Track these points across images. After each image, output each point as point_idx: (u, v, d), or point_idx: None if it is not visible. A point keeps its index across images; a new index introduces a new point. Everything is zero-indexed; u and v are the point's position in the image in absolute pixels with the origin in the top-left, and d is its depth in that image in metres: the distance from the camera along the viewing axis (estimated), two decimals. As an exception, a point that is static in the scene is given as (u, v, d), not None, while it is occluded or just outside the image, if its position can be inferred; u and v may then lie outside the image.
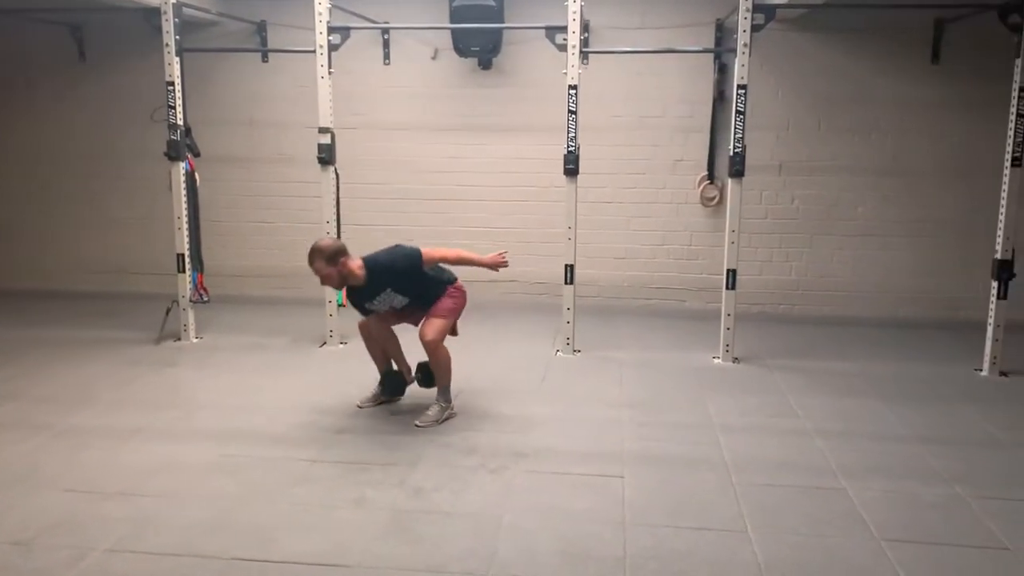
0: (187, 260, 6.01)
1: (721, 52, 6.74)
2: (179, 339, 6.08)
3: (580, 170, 5.65)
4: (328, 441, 4.23)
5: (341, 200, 6.03)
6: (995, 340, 5.45)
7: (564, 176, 5.65)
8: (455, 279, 4.62)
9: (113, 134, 7.57)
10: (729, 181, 5.58)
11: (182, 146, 5.89)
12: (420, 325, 4.49)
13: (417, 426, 4.41)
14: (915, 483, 3.77)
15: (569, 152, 5.59)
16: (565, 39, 5.52)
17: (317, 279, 4.41)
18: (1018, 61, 5.20)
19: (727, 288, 5.65)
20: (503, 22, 6.66)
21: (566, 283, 5.77)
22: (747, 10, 5.31)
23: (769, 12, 5.39)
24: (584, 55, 6.17)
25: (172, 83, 5.77)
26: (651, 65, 6.93)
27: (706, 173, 7.04)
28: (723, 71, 6.87)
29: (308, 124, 7.26)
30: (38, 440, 4.18)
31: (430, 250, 4.38)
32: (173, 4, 5.70)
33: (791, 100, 6.90)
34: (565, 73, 5.53)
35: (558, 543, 3.21)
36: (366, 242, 6.84)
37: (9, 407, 4.68)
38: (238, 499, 3.56)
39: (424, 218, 7.30)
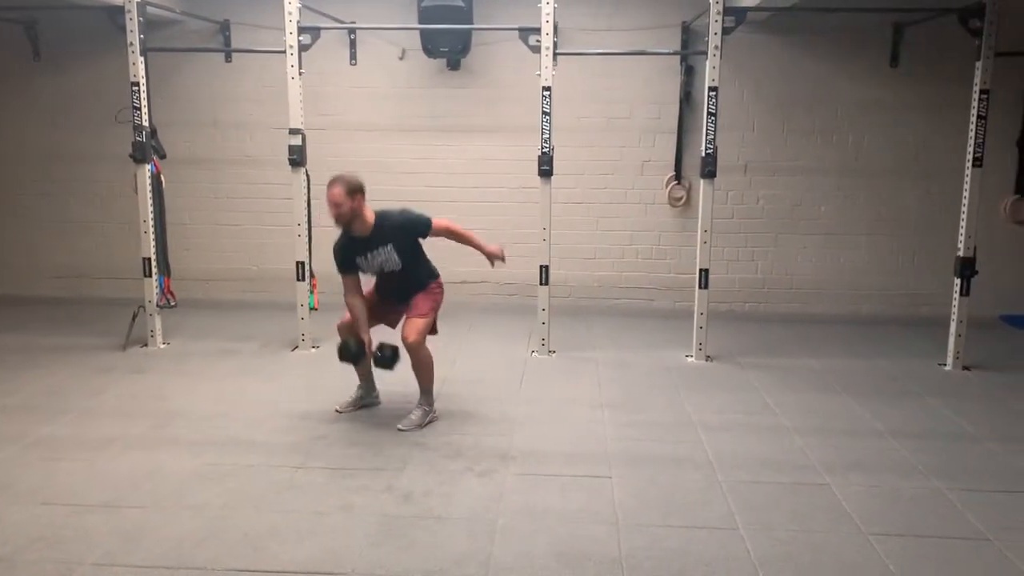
0: (154, 264, 5.88)
1: (689, 55, 6.81)
2: (146, 345, 5.94)
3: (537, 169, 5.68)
4: (310, 447, 4.18)
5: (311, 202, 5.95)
6: (958, 336, 5.60)
7: (539, 177, 5.67)
8: (438, 275, 4.59)
9: (72, 136, 7.38)
10: (701, 182, 5.64)
11: (148, 148, 5.77)
12: (402, 326, 4.45)
13: (400, 430, 4.38)
14: (895, 477, 3.86)
15: (543, 153, 5.61)
16: (538, 40, 5.53)
17: (330, 216, 4.28)
18: (978, 64, 5.35)
19: (700, 288, 5.72)
20: (472, 23, 6.65)
21: (541, 284, 5.78)
22: (718, 13, 5.38)
23: (739, 15, 5.46)
24: (554, 56, 6.18)
25: (137, 83, 5.65)
26: (618, 67, 6.99)
27: (674, 174, 7.12)
28: (689, 73, 6.95)
29: (274, 125, 7.22)
30: (10, 451, 4.06)
31: (441, 220, 4.38)
32: (137, 3, 5.58)
33: (755, 102, 7.01)
34: (539, 75, 5.54)
35: (554, 545, 3.21)
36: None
37: (-26, 418, 4.54)
38: (225, 508, 3.50)
39: (393, 219, 7.24)
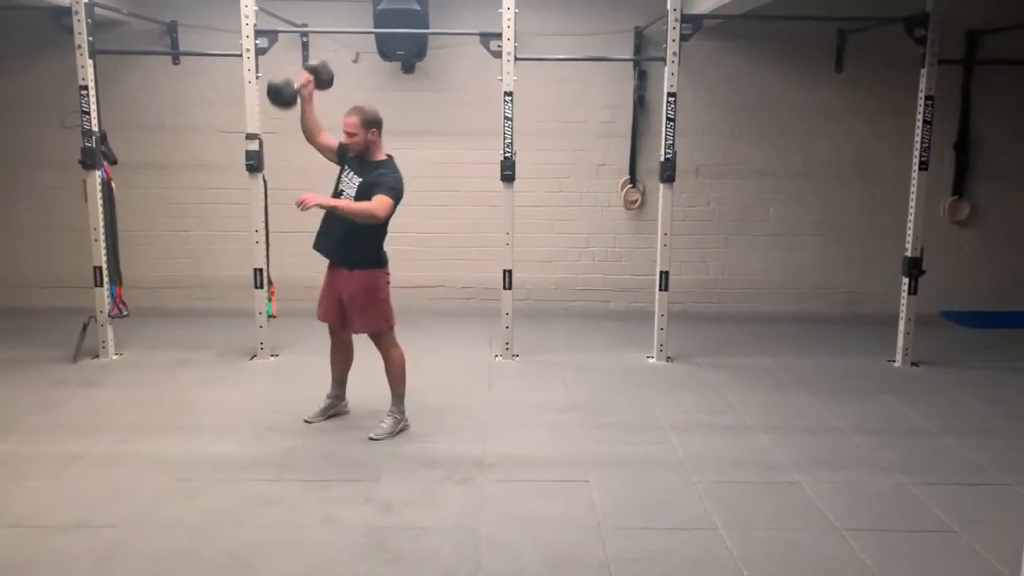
0: (105, 273, 5.71)
1: (646, 60, 6.91)
2: (98, 356, 5.76)
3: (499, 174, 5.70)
4: (283, 459, 4.12)
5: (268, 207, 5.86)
6: (907, 333, 5.81)
7: (501, 182, 5.69)
8: (387, 262, 4.44)
9: (14, 141, 7.08)
10: (661, 186, 5.73)
11: (98, 153, 5.60)
12: (358, 323, 4.40)
13: (372, 439, 4.35)
14: (860, 473, 4.00)
15: (506, 158, 5.62)
16: (500, 45, 5.54)
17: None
18: (923, 71, 5.56)
19: (660, 290, 5.81)
20: (428, 27, 6.62)
21: (504, 288, 5.80)
22: (676, 20, 5.48)
23: (696, 22, 5.57)
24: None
25: (86, 87, 5.48)
26: (573, 71, 7.05)
27: (628, 177, 7.21)
28: (643, 77, 7.06)
29: (224, 129, 7.08)
30: (-34, 473, 3.91)
31: (384, 203, 4.16)
32: (85, 3, 5.40)
33: (707, 106, 7.15)
34: (500, 80, 5.56)
35: (541, 551, 3.24)
36: (291, 250, 6.71)
37: (-78, 438, 4.35)
38: (202, 525, 3.43)
39: (348, 224, 7.17)
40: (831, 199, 7.34)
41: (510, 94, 5.54)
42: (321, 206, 4.08)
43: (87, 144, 5.53)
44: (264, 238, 5.79)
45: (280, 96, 4.43)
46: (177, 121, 7.14)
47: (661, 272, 5.80)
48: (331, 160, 4.53)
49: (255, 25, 5.55)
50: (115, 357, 5.80)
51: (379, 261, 4.41)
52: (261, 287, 5.79)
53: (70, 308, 6.38)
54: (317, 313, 4.57)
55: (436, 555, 3.22)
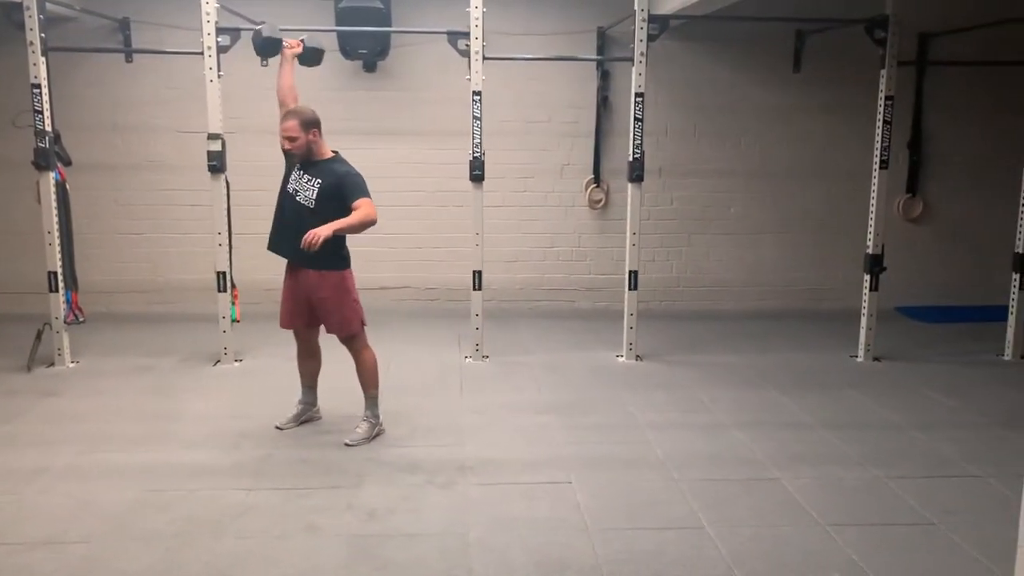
0: (60, 278, 5.51)
1: (613, 60, 6.92)
2: (53, 365, 5.56)
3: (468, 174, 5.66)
4: (258, 467, 4.02)
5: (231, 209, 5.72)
6: (868, 329, 5.93)
7: (471, 182, 5.64)
8: (344, 266, 4.32)
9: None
10: (629, 186, 5.75)
11: (51, 154, 5.40)
12: (333, 325, 4.31)
13: (348, 445, 4.27)
14: (836, 468, 4.06)
15: (475, 158, 5.58)
16: (467, 44, 5.50)
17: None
18: (883, 72, 5.67)
19: (629, 289, 5.83)
20: (391, 25, 6.54)
21: (474, 289, 5.75)
22: (643, 20, 5.50)
23: (663, 22, 5.60)
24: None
25: (39, 85, 5.28)
26: (537, 71, 7.04)
27: (592, 177, 7.23)
28: (606, 77, 7.08)
29: (179, 128, 6.92)
30: (-78, 489, 3.73)
31: (366, 206, 4.11)
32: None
33: (669, 106, 7.20)
34: (469, 79, 5.52)
35: (531, 555, 3.21)
36: (249, 252, 6.56)
37: None
38: (180, 538, 3.32)
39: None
40: (790, 197, 7.46)
41: (479, 93, 5.50)
42: (327, 238, 3.94)
43: (40, 144, 5.33)
44: (227, 240, 5.66)
45: (264, 44, 4.35)
46: (130, 120, 6.95)
47: (630, 271, 5.81)
48: None
49: (216, 23, 5.39)
50: (71, 365, 5.61)
51: (347, 260, 4.34)
52: (224, 290, 5.65)
53: (22, 315, 6.17)
54: (280, 320, 4.46)
55: (425, 562, 3.16)
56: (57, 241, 5.48)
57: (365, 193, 4.14)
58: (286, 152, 4.26)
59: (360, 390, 4.42)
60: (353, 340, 4.36)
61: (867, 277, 5.91)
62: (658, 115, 7.17)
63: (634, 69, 5.55)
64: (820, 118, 7.31)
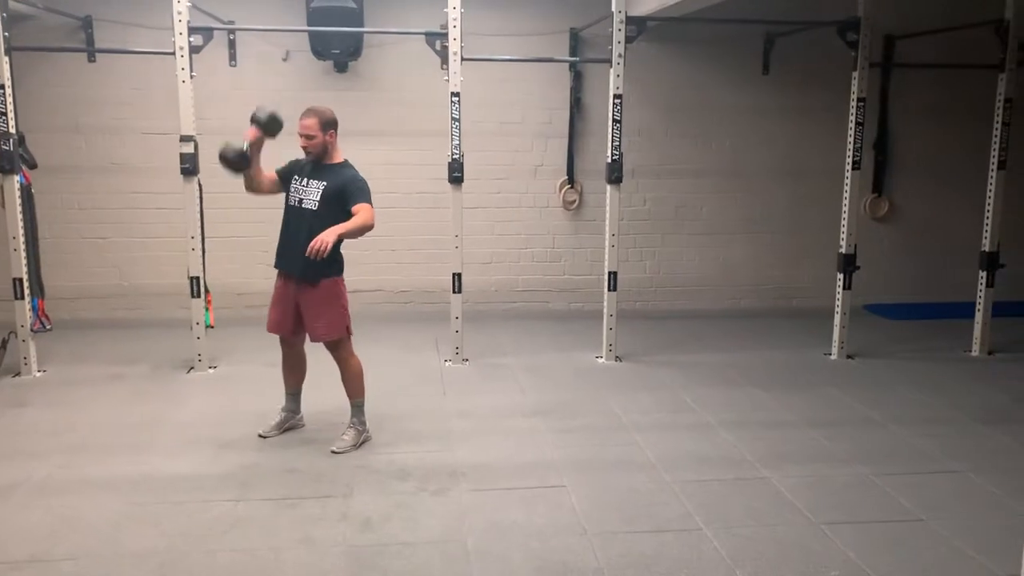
0: (26, 285, 5.34)
1: (589, 62, 6.91)
2: (19, 374, 5.39)
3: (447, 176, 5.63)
4: (244, 477, 3.93)
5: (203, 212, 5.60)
6: (842, 327, 6.02)
7: (449, 184, 5.60)
8: (338, 273, 4.31)
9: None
10: (608, 187, 5.76)
11: (16, 157, 5.23)
12: (320, 329, 4.24)
13: (335, 452, 4.20)
14: (823, 466, 4.11)
15: (454, 160, 5.54)
16: (446, 45, 5.45)
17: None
18: (855, 74, 5.76)
19: (609, 290, 5.84)
20: (363, 25, 6.45)
21: (454, 291, 5.71)
22: (621, 22, 5.51)
23: (641, 24, 5.62)
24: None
25: (3, 86, 5.10)
26: (510, 72, 7.01)
27: (566, 178, 7.23)
28: (579, 79, 7.08)
29: (144, 130, 6.76)
30: None
31: (368, 211, 4.13)
32: (-2, -3, 5.04)
33: (641, 107, 7.22)
34: (447, 80, 5.48)
35: (532, 561, 3.19)
36: (220, 256, 6.44)
37: None
38: (170, 553, 3.23)
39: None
40: (761, 197, 7.53)
41: (457, 95, 5.46)
42: (333, 242, 3.93)
43: (4, 147, 5.15)
44: (200, 244, 5.54)
45: (234, 165, 4.21)
46: (93, 122, 6.75)
47: (610, 272, 5.82)
48: (279, 190, 4.36)
49: (188, 22, 5.27)
50: (38, 374, 5.44)
51: (342, 267, 4.31)
52: (198, 296, 5.52)
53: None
54: (268, 324, 4.39)
55: (426, 571, 3.12)
56: (23, 247, 5.31)
57: (367, 199, 4.14)
58: (289, 166, 4.30)
59: (344, 396, 4.36)
60: (339, 347, 4.29)
61: (840, 276, 6.00)
62: (631, 116, 7.14)
63: (612, 71, 5.56)
64: (790, 119, 7.40)
